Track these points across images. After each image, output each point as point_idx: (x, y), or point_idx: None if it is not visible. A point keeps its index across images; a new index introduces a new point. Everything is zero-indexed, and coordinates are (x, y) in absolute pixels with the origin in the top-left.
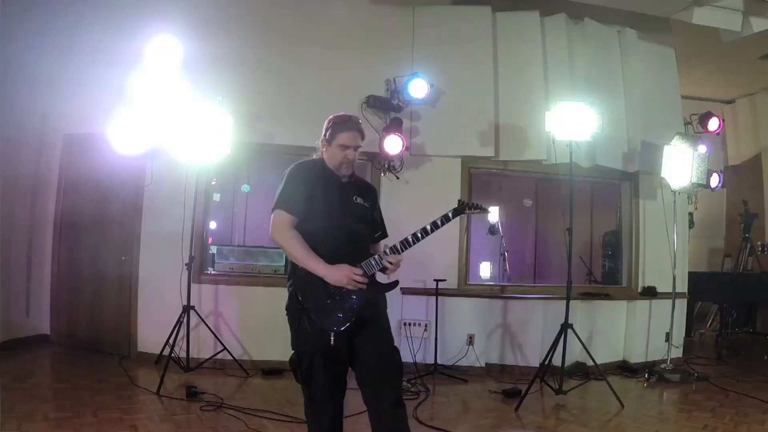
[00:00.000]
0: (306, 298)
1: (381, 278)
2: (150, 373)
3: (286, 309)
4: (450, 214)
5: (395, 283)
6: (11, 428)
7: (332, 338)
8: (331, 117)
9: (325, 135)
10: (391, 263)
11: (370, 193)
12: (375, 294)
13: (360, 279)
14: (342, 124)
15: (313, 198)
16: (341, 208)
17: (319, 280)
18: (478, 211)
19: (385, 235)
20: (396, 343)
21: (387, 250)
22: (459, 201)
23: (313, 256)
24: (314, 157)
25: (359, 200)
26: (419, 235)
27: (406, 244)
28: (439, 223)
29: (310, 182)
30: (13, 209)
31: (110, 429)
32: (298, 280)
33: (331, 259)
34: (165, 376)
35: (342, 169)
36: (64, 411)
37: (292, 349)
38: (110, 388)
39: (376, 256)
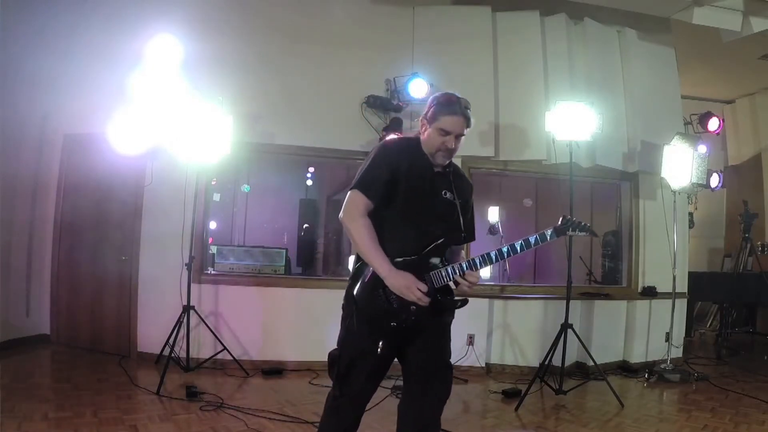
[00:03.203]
0: (362, 298)
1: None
2: (150, 373)
3: (343, 304)
4: (548, 234)
5: (465, 301)
6: (11, 428)
7: (380, 347)
8: (437, 94)
9: (426, 114)
10: (467, 281)
11: (465, 189)
12: (439, 309)
13: (420, 295)
14: (447, 105)
15: (395, 184)
16: (424, 202)
17: (380, 282)
18: (584, 233)
19: (471, 239)
20: None
21: (464, 264)
22: (563, 218)
23: (379, 253)
24: (412, 135)
25: (448, 195)
26: (506, 253)
27: (487, 260)
28: (532, 242)
29: (398, 165)
30: (13, 209)
31: (110, 429)
32: (358, 278)
33: (398, 256)
34: (165, 376)
35: (438, 158)
36: (64, 411)
37: (337, 345)
38: (110, 388)
39: (449, 268)
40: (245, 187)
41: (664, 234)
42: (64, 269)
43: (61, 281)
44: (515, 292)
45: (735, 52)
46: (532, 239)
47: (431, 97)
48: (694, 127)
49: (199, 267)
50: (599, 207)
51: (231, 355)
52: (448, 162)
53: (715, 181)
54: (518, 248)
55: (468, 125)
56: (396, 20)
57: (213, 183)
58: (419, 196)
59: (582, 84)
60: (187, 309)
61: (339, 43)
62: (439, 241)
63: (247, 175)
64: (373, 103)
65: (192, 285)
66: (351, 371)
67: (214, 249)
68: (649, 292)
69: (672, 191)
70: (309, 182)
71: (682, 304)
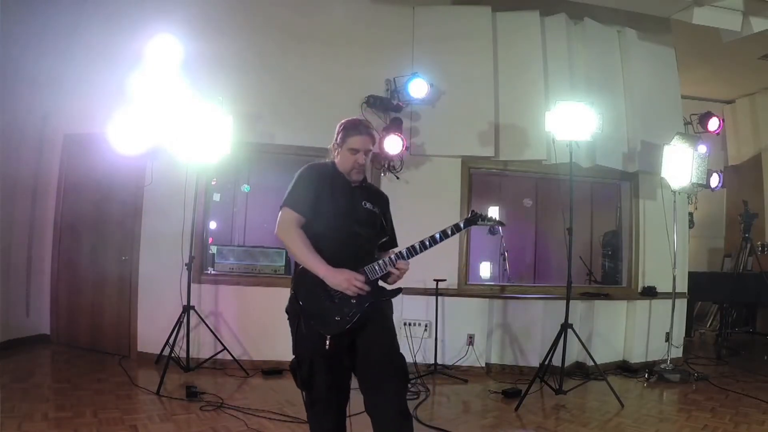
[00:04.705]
0: (304, 299)
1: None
2: (150, 373)
3: (287, 312)
4: (462, 224)
5: (398, 291)
6: (11, 428)
7: (327, 342)
8: (342, 121)
9: (336, 139)
10: (396, 270)
11: (382, 200)
12: (377, 299)
13: (360, 285)
14: (353, 128)
15: (320, 199)
16: (348, 211)
17: (320, 282)
18: (492, 222)
19: (394, 245)
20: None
21: (393, 256)
22: (472, 211)
23: (314, 256)
24: (327, 160)
25: (368, 205)
26: (427, 243)
27: (412, 251)
28: (449, 232)
29: (319, 183)
30: (13, 209)
31: (110, 429)
32: (298, 280)
33: (333, 261)
34: (165, 376)
35: (353, 174)
36: (64, 411)
37: (293, 354)
38: (110, 388)
39: (380, 262)
40: (245, 187)
41: (664, 234)
42: (64, 269)
43: (61, 281)
44: (515, 292)
45: (735, 52)
46: (449, 230)
47: (338, 124)
48: (694, 127)
49: (199, 267)
50: (599, 207)
51: (231, 355)
52: (363, 177)
53: (715, 181)
54: (438, 238)
55: (373, 142)
56: (396, 20)
57: (213, 183)
58: (343, 206)
59: (582, 84)
60: (187, 309)
61: (339, 43)
62: (367, 243)
63: (247, 175)
64: (373, 103)
65: (192, 285)
66: (312, 375)
67: (214, 249)
68: (649, 292)
69: (672, 191)
70: None
71: (682, 304)
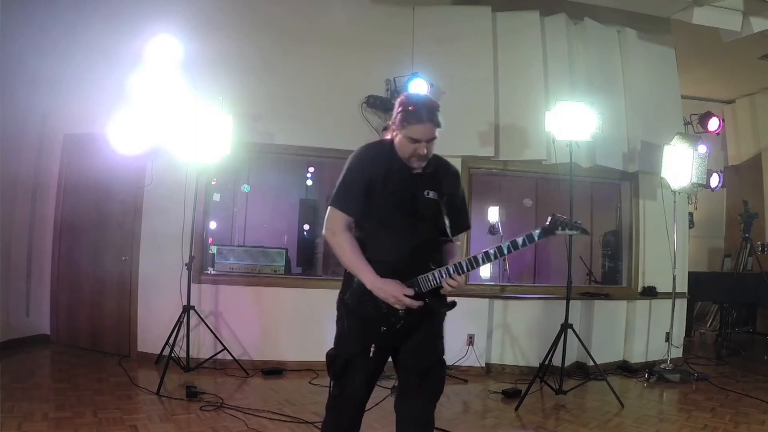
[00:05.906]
0: (352, 304)
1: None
2: (150, 373)
3: (337, 305)
4: (537, 234)
5: (453, 304)
6: (11, 428)
7: (371, 351)
8: (403, 98)
9: (395, 119)
10: (450, 285)
11: (450, 181)
12: (427, 313)
13: (409, 302)
14: (414, 114)
15: (374, 192)
16: (406, 205)
17: (368, 290)
18: (575, 232)
19: (465, 228)
20: None
21: (451, 268)
22: (552, 216)
23: (363, 265)
24: (386, 136)
25: (431, 194)
26: (492, 254)
27: (473, 262)
28: (520, 243)
29: (374, 173)
30: (13, 209)
31: (110, 429)
32: (347, 282)
33: (385, 262)
34: (165, 376)
35: (413, 162)
36: (64, 411)
37: (334, 345)
38: (110, 388)
39: (435, 272)
40: (245, 187)
41: (664, 234)
42: (64, 269)
43: (61, 281)
44: (515, 292)
45: (735, 52)
46: (519, 240)
47: (398, 101)
48: (694, 127)
49: (199, 267)
50: (599, 207)
51: (231, 355)
52: (425, 164)
53: (715, 181)
54: (505, 250)
55: (437, 127)
56: (396, 20)
57: (213, 183)
58: (400, 199)
59: (582, 84)
60: (187, 309)
61: (339, 44)
62: (424, 243)
63: (247, 175)
64: (373, 103)
65: (192, 285)
66: (347, 370)
67: (214, 249)
68: (649, 292)
69: (672, 191)
70: (309, 182)
71: (682, 304)
